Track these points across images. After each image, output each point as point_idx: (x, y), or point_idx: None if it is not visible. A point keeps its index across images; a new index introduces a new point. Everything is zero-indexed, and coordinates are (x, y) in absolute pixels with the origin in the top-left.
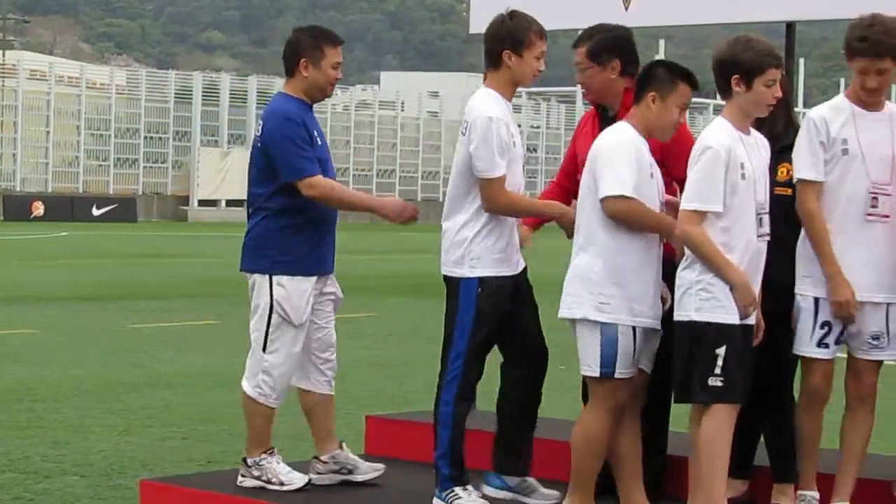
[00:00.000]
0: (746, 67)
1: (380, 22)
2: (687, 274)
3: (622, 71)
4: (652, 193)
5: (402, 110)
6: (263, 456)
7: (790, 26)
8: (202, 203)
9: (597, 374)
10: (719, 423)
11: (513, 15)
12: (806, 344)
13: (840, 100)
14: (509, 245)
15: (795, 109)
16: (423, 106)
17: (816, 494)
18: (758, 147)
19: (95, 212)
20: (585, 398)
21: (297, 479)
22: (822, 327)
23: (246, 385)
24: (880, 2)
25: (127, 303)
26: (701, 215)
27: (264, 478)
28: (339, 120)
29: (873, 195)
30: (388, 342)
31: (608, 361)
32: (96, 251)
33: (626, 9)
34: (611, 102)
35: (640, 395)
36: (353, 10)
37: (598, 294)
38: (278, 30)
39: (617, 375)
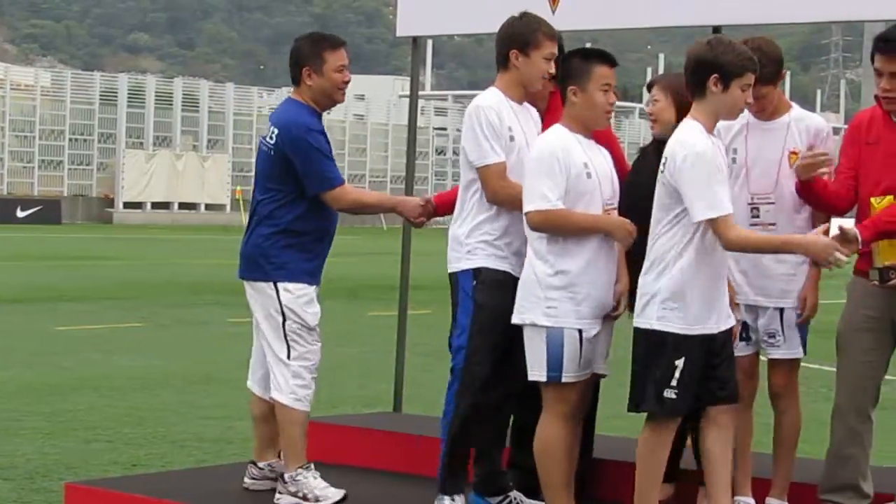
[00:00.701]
0: (726, 69)
1: (306, 24)
2: (650, 281)
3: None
4: (590, 190)
5: (328, 113)
6: (299, 470)
7: (716, 31)
8: (127, 205)
9: (544, 378)
10: (664, 434)
11: (523, 15)
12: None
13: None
14: (513, 241)
15: None
16: (350, 109)
17: (751, 501)
18: (720, 148)
19: (20, 213)
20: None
21: (332, 495)
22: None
23: (280, 396)
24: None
25: (52, 305)
26: (729, 217)
27: (300, 493)
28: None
29: (753, 206)
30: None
31: (555, 365)
32: (21, 253)
33: (553, 12)
34: (535, 103)
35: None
36: (279, 13)
37: (544, 299)
38: (204, 32)
39: (564, 379)
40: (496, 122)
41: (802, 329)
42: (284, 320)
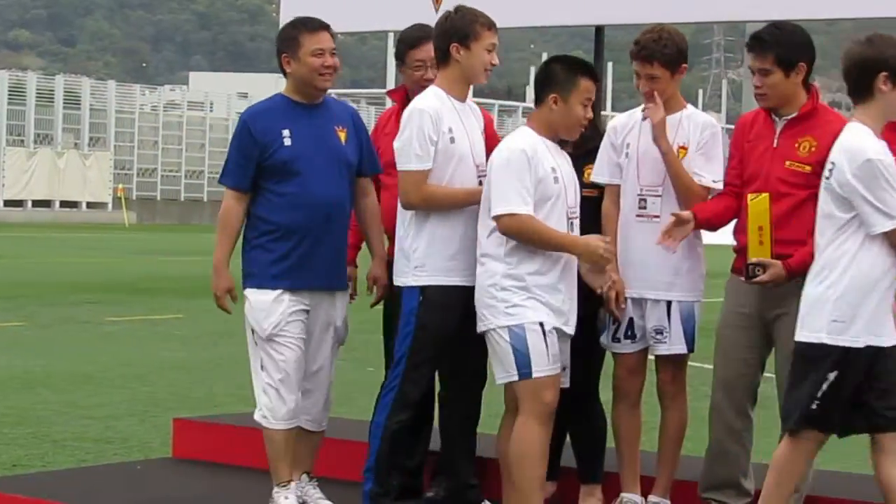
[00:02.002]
0: (892, 65)
1: (189, 22)
2: (819, 292)
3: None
4: (555, 195)
5: (211, 111)
6: (276, 489)
7: (599, 30)
8: (8, 203)
9: (516, 377)
10: (803, 448)
11: (458, 9)
12: (603, 339)
13: (641, 106)
14: (462, 251)
15: (603, 113)
16: (232, 107)
17: (637, 498)
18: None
19: None
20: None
21: None
22: (613, 322)
23: (256, 412)
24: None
25: None
26: None
27: None
28: (147, 120)
29: (641, 197)
30: (197, 345)
31: (524, 362)
32: None
33: (437, 11)
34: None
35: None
36: (161, 10)
37: (501, 300)
38: (86, 29)
39: (535, 374)
40: (429, 127)
41: (689, 325)
42: (253, 332)
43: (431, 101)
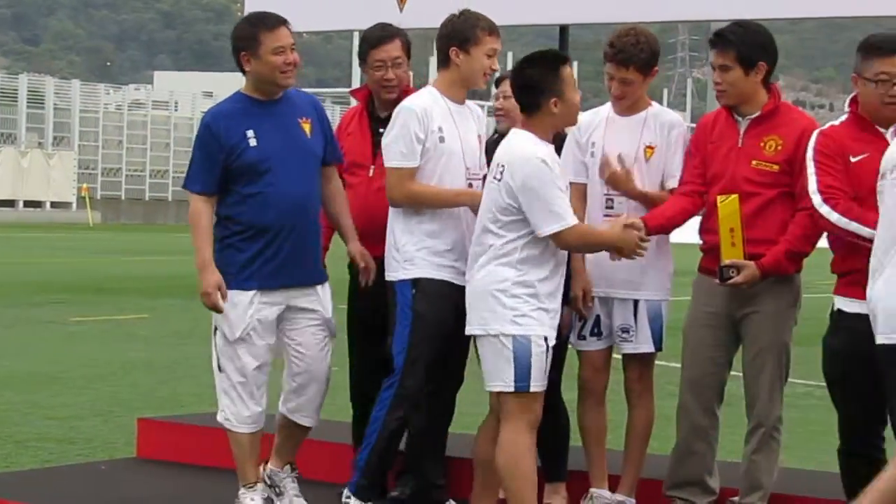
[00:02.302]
0: None
1: (153, 21)
2: None
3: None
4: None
5: (176, 110)
6: (242, 490)
7: (563, 29)
8: None
9: (511, 388)
10: None
11: (462, 12)
12: (574, 337)
13: (607, 105)
14: (454, 250)
15: None
16: (197, 106)
17: (607, 493)
18: None
19: None
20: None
21: None
22: (579, 320)
23: (218, 413)
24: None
25: None
26: None
27: None
28: (112, 120)
29: (608, 197)
30: (161, 344)
31: (523, 375)
32: None
33: (401, 10)
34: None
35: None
36: (126, 10)
37: (511, 307)
38: (50, 28)
39: (533, 389)
40: (415, 125)
41: (656, 325)
42: (215, 331)
43: (422, 99)
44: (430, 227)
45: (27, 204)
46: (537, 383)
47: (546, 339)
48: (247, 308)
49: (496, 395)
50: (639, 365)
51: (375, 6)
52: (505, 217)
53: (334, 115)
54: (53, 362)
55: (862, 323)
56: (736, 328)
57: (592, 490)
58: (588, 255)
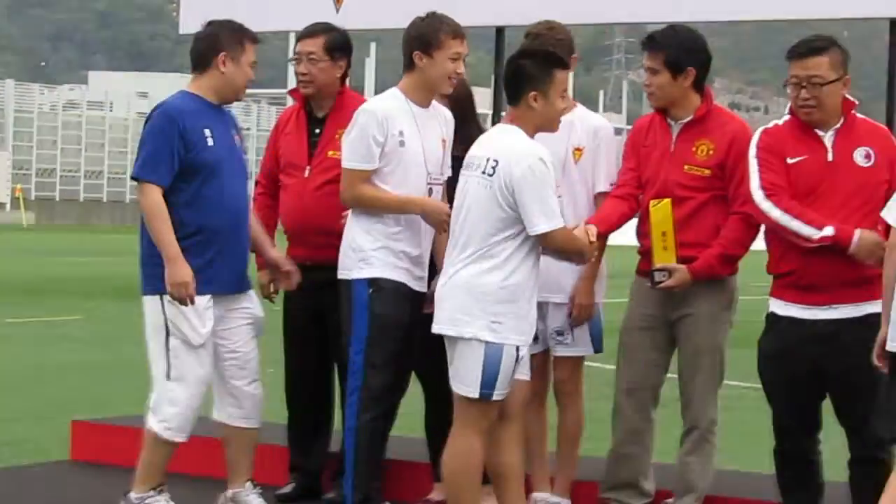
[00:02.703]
0: None
1: (88, 21)
2: None
3: (345, 74)
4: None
5: (111, 111)
6: (151, 493)
7: (500, 31)
8: None
9: (476, 395)
10: None
11: (427, 15)
12: None
13: None
14: (411, 250)
15: (503, 113)
16: (133, 107)
17: (548, 496)
18: None
19: None
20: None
21: None
22: None
23: (151, 420)
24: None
25: None
26: None
27: None
28: (47, 120)
29: None
30: (96, 346)
31: (489, 382)
32: None
33: (337, 11)
34: (325, 102)
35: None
36: (61, 9)
37: (491, 313)
38: None
39: (495, 398)
40: (374, 128)
41: (595, 326)
42: (168, 336)
43: (384, 102)
44: (388, 229)
45: None
46: (500, 392)
47: (518, 348)
48: (207, 313)
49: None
50: (570, 366)
51: (312, 7)
52: (494, 214)
53: (270, 115)
54: None
55: (795, 326)
56: (671, 331)
57: (535, 494)
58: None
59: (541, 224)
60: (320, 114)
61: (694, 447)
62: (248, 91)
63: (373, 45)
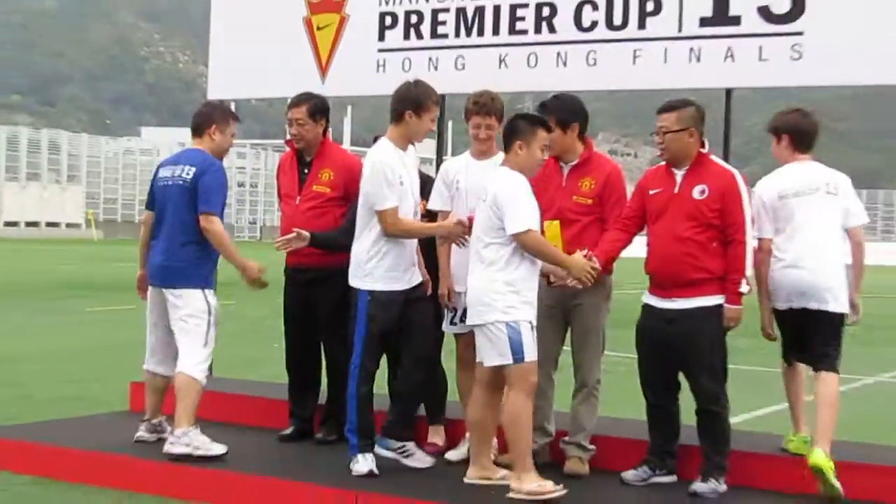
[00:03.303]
0: None
1: (141, 90)
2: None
3: (325, 129)
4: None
5: (158, 155)
6: (191, 428)
7: (442, 97)
8: (6, 224)
9: (510, 361)
10: None
11: (417, 83)
12: (446, 325)
13: (466, 153)
14: (402, 265)
15: (445, 158)
16: (173, 152)
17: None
18: None
19: None
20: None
21: (217, 448)
22: (449, 311)
23: (194, 373)
24: (511, 79)
25: None
26: None
27: (193, 445)
28: (111, 163)
29: (470, 218)
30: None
31: (518, 349)
32: None
33: (323, 82)
34: (311, 150)
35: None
36: (120, 81)
37: (502, 301)
38: (64, 95)
39: (527, 358)
40: (390, 175)
41: None
42: (210, 316)
43: (387, 154)
44: (384, 248)
45: (48, 224)
46: (530, 355)
47: (531, 322)
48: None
49: (491, 369)
50: (471, 339)
51: (303, 79)
52: (492, 229)
53: (273, 160)
54: (69, 341)
55: (652, 312)
56: (566, 316)
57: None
58: (452, 263)
59: (512, 226)
60: (308, 158)
61: (583, 400)
62: (258, 141)
63: (349, 108)
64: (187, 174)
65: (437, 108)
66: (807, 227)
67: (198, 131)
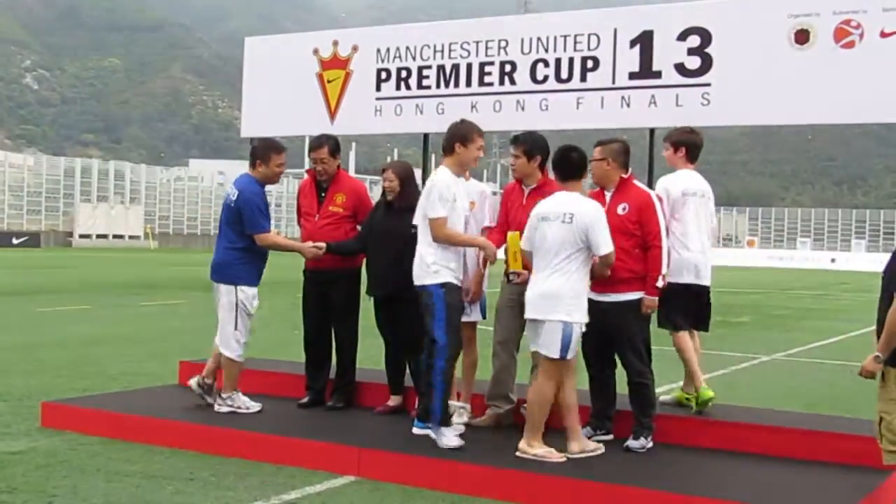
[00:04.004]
0: None
1: (188, 129)
2: None
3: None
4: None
5: (202, 182)
6: (233, 392)
7: (426, 137)
8: (81, 236)
9: (556, 356)
10: None
11: (462, 121)
12: None
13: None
14: (457, 266)
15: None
16: (214, 180)
17: (457, 403)
18: None
19: (14, 241)
20: None
21: (254, 406)
22: None
23: (227, 352)
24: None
25: (35, 296)
26: None
27: (235, 405)
28: (164, 188)
29: None
30: (192, 319)
31: (566, 347)
32: (13, 265)
33: (332, 123)
34: (328, 177)
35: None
36: (172, 122)
37: (566, 305)
38: (128, 132)
39: (568, 357)
40: (445, 191)
41: (483, 304)
42: (237, 308)
43: (446, 176)
44: (444, 252)
45: (114, 237)
46: (571, 355)
47: (583, 324)
48: (254, 298)
49: (541, 357)
50: (468, 329)
51: (316, 120)
52: (572, 244)
53: (294, 186)
54: (129, 329)
55: (592, 304)
56: (523, 307)
57: (452, 402)
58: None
59: (606, 248)
60: (325, 184)
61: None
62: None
63: (353, 144)
64: (233, 195)
65: (481, 138)
66: (701, 221)
67: (251, 163)
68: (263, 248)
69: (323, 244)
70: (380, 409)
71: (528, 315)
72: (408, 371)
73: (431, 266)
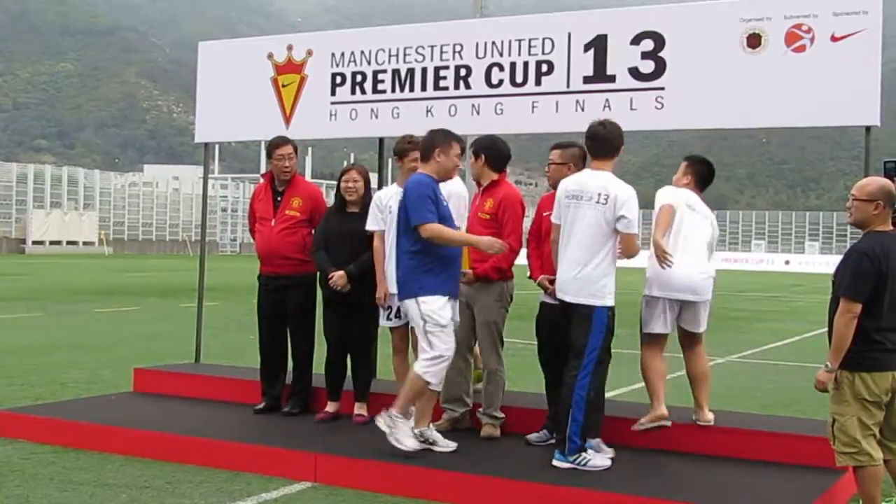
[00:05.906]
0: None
1: (142, 135)
2: None
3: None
4: None
5: (157, 187)
6: (401, 415)
7: (381, 141)
8: (34, 243)
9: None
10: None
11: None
12: (381, 319)
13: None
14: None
15: (386, 186)
16: (170, 185)
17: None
18: None
19: None
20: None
21: (410, 445)
22: (385, 308)
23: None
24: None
25: None
26: None
27: (391, 432)
28: (119, 194)
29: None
30: (146, 325)
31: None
32: None
33: (287, 127)
34: (284, 181)
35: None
36: (128, 128)
37: (598, 288)
38: (81, 139)
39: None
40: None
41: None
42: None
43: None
44: (610, 268)
45: (68, 243)
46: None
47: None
48: (447, 305)
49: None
50: (405, 331)
51: (271, 125)
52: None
53: (249, 190)
54: (83, 336)
55: (550, 309)
56: (471, 310)
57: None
58: (387, 270)
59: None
60: (280, 189)
61: (489, 380)
62: (237, 175)
63: (310, 148)
64: (401, 197)
65: (458, 145)
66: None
67: (424, 157)
68: (433, 243)
69: (343, 273)
70: (320, 415)
71: (681, 297)
72: (348, 375)
73: (599, 284)
